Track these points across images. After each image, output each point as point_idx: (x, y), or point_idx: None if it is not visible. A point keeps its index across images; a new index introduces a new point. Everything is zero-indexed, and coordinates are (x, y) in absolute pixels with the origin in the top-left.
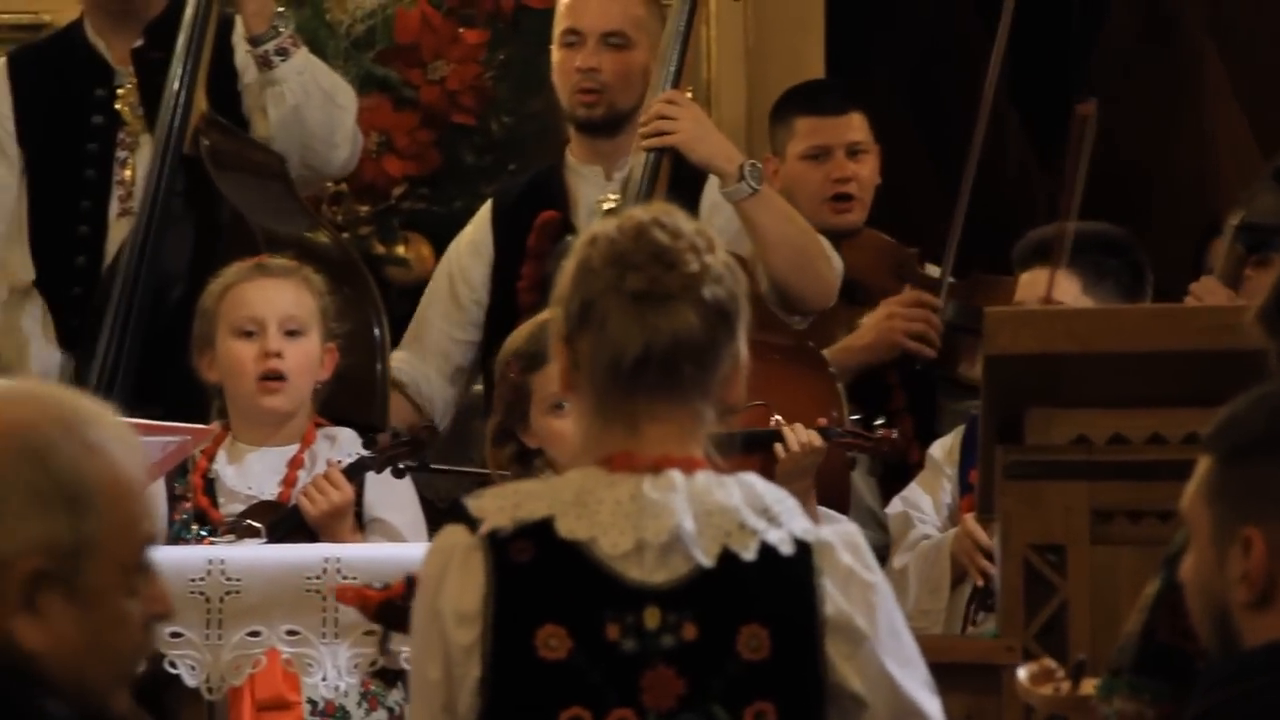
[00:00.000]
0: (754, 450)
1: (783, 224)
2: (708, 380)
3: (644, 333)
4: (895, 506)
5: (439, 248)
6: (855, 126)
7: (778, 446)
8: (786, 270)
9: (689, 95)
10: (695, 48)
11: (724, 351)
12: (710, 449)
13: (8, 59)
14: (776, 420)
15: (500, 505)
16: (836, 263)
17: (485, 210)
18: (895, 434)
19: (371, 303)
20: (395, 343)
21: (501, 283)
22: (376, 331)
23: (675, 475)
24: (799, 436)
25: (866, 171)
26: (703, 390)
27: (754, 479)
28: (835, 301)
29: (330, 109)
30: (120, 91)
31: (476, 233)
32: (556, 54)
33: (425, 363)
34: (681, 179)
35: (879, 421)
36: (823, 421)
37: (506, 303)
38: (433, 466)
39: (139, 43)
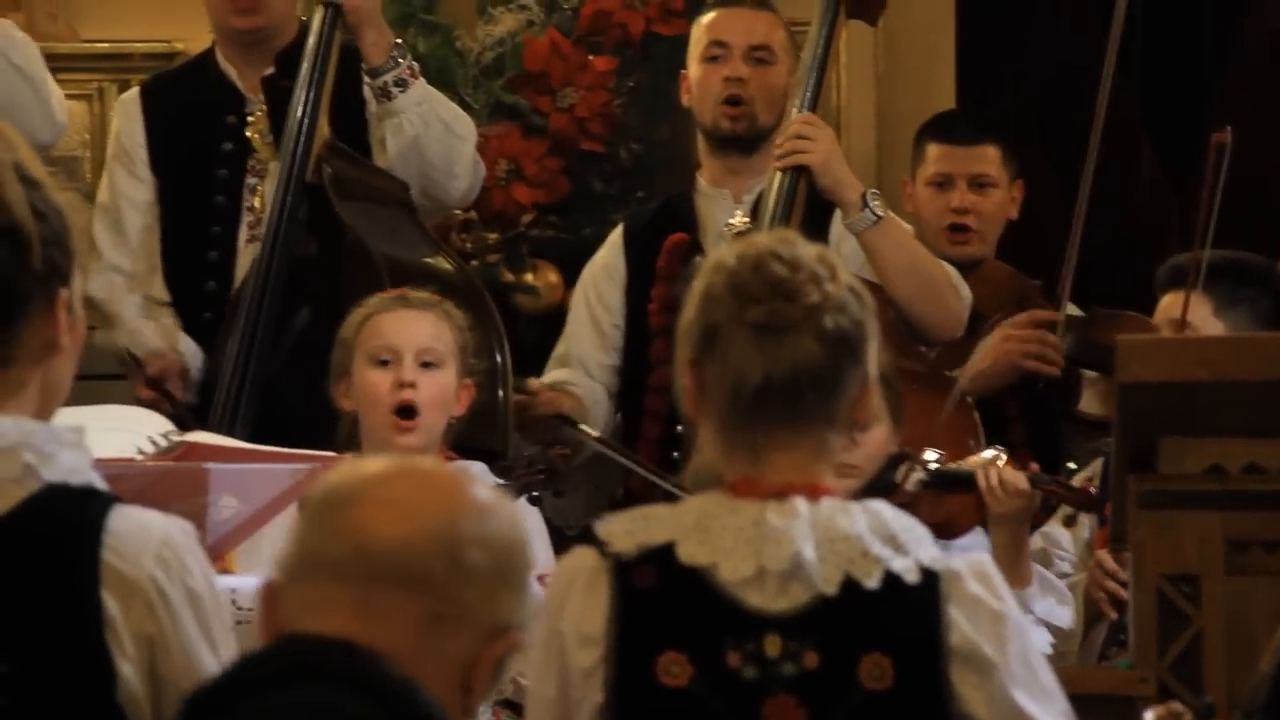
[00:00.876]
0: (967, 489)
1: (905, 253)
2: (832, 407)
3: (765, 363)
4: (1035, 543)
5: (567, 275)
6: (984, 159)
7: (981, 488)
8: (910, 299)
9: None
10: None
11: (848, 377)
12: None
13: (141, 88)
14: (978, 458)
15: (627, 529)
16: (965, 292)
17: (617, 234)
18: (1094, 488)
19: (494, 329)
20: (519, 370)
21: (633, 305)
22: (499, 359)
23: (799, 502)
24: (1006, 480)
25: (990, 205)
26: (827, 417)
27: (882, 507)
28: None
29: (449, 140)
30: (250, 119)
31: (609, 256)
32: (698, 69)
33: (589, 380)
34: (816, 203)
35: (1072, 465)
36: (1035, 467)
37: (638, 325)
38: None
39: (269, 71)
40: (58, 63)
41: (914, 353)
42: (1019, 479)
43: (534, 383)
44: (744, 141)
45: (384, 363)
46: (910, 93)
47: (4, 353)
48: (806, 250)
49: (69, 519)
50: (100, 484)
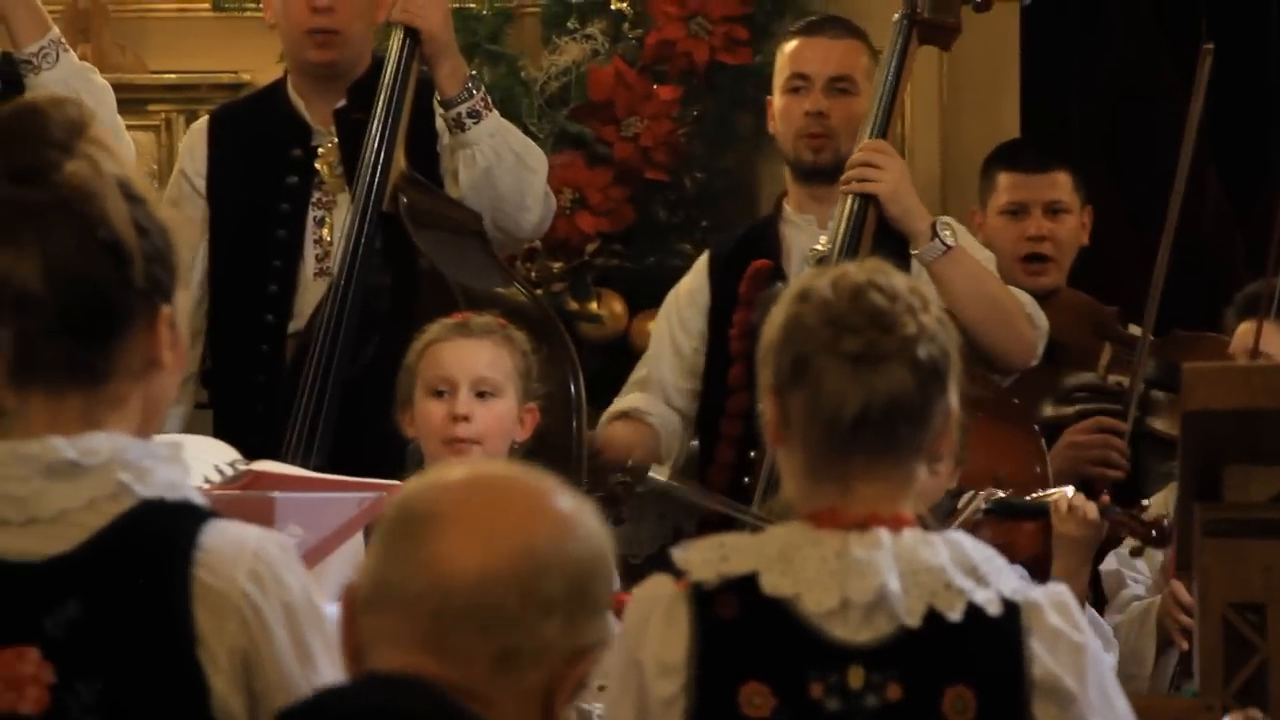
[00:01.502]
0: (1035, 518)
1: (976, 282)
2: (922, 438)
3: (861, 394)
4: (1109, 564)
5: (632, 304)
6: (1057, 185)
7: (1054, 511)
8: (982, 328)
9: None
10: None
11: (937, 408)
12: (927, 516)
13: (210, 117)
14: (1046, 492)
15: (706, 558)
16: (1040, 320)
17: (703, 260)
18: (1166, 520)
19: (568, 360)
20: (591, 399)
21: (715, 330)
22: (572, 389)
23: (882, 534)
24: (1075, 506)
25: (1065, 231)
26: (917, 448)
27: (962, 538)
28: (1038, 361)
29: (521, 172)
30: (321, 151)
31: (694, 281)
32: (780, 100)
33: (664, 406)
34: (888, 229)
35: (1146, 501)
36: (1106, 499)
37: (720, 350)
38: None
39: (341, 103)
40: (126, 93)
41: (982, 379)
42: (1090, 507)
43: (598, 441)
44: (827, 171)
45: (440, 393)
46: (975, 120)
47: (104, 368)
48: (900, 280)
49: (162, 535)
50: (198, 499)
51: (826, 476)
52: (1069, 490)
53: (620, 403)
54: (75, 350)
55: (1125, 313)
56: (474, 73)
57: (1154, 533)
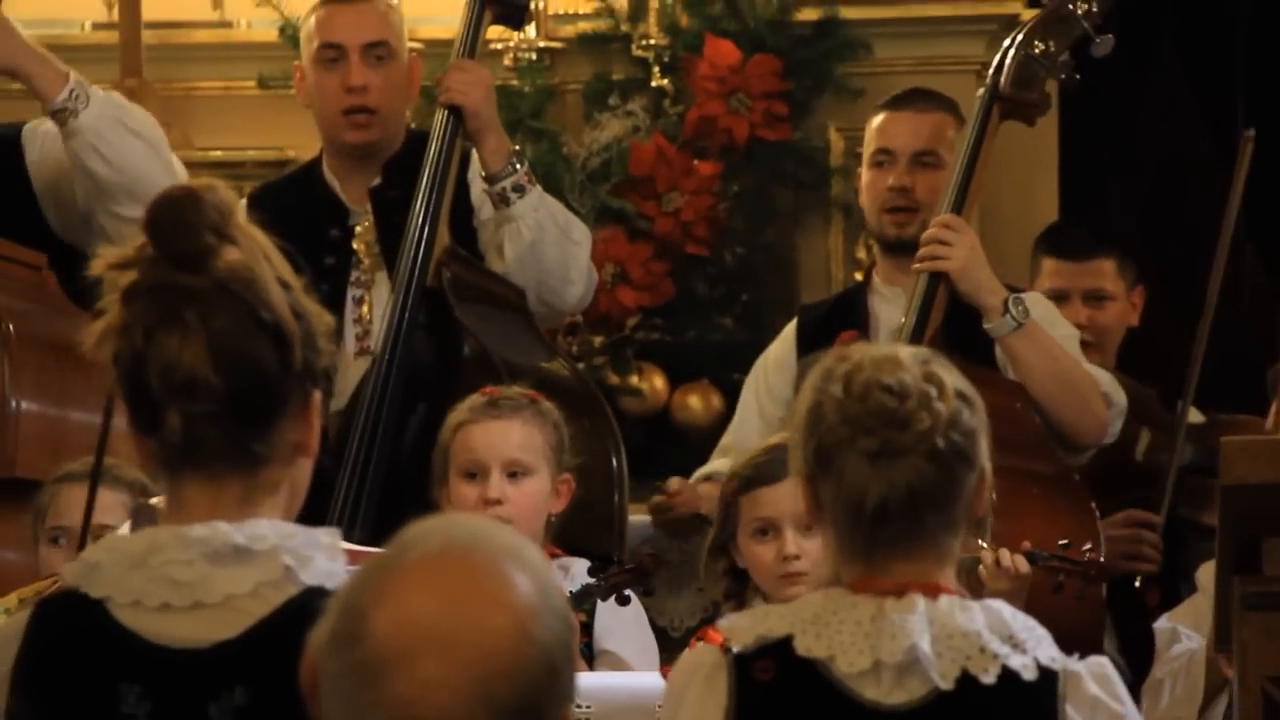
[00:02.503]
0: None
1: (1048, 359)
2: (950, 517)
3: (881, 487)
4: (1162, 623)
5: (673, 378)
6: (1099, 273)
7: (980, 569)
8: (1053, 404)
9: (969, 222)
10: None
11: (964, 484)
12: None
13: (249, 198)
14: (980, 544)
15: (746, 624)
16: (1117, 400)
17: (791, 327)
18: (1102, 556)
19: (610, 433)
20: (633, 473)
21: None
22: (614, 462)
23: (917, 599)
24: (1003, 560)
25: (1107, 318)
26: (946, 527)
27: (1001, 606)
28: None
29: (566, 245)
30: (358, 230)
31: (781, 349)
32: (866, 174)
33: None
34: (961, 304)
35: (1086, 546)
36: (1027, 545)
37: None
38: None
39: (376, 181)
40: None
41: (1046, 455)
42: (1019, 560)
43: (674, 483)
44: (912, 245)
45: (472, 475)
46: (1014, 197)
47: (262, 452)
48: (911, 371)
49: None
50: None
51: (856, 555)
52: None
53: (706, 467)
54: (239, 435)
55: (1165, 394)
56: (517, 148)
57: (1093, 571)
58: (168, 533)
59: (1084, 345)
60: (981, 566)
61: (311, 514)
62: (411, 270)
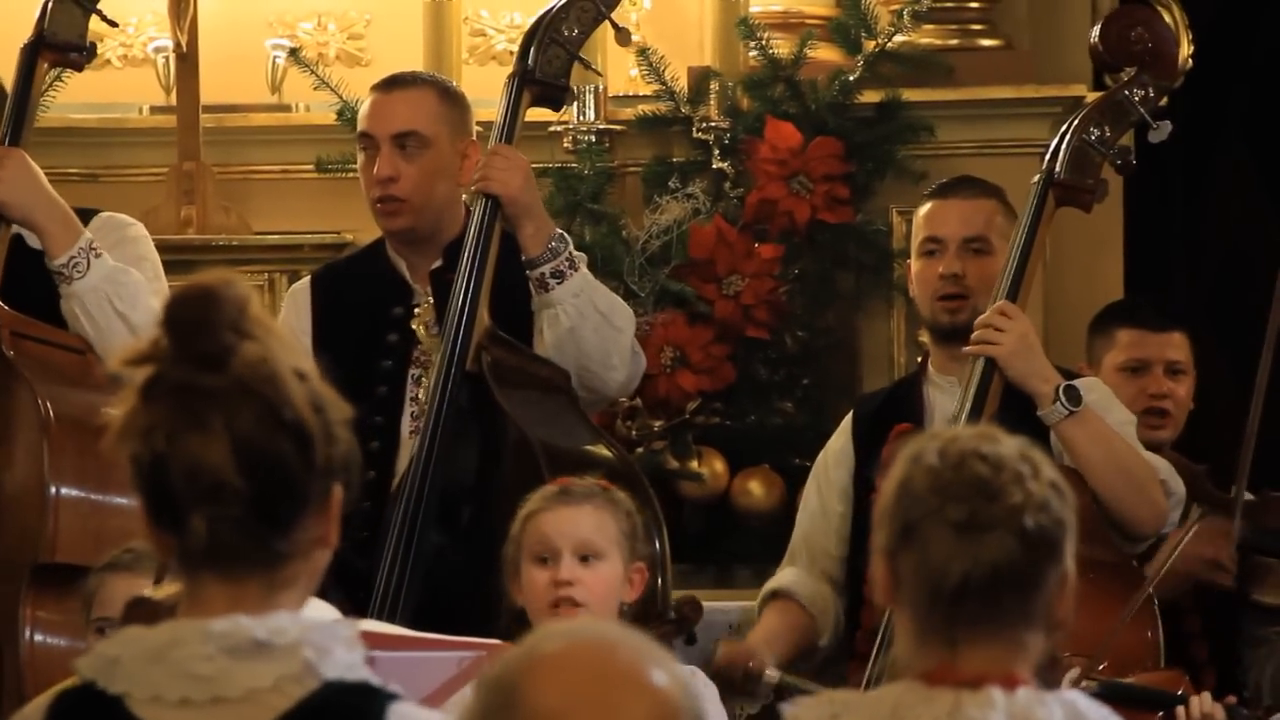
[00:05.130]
0: (1151, 709)
1: (1103, 447)
2: (1030, 607)
3: (964, 563)
4: None
5: (733, 463)
6: (1176, 345)
7: (1179, 710)
8: (1109, 492)
9: (1025, 309)
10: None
11: (1048, 576)
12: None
13: (312, 277)
14: (1185, 687)
15: (818, 715)
16: (1176, 488)
17: (847, 420)
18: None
19: (653, 517)
20: (683, 558)
21: (860, 492)
22: (657, 546)
23: (995, 692)
24: (1202, 707)
25: (1183, 391)
26: (1025, 616)
27: (1077, 698)
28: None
29: (606, 331)
30: (417, 311)
31: (839, 442)
32: (916, 264)
33: (816, 579)
34: (1016, 391)
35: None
36: (1232, 699)
37: (864, 513)
38: None
39: (437, 264)
40: (229, 254)
41: (1104, 541)
42: (1218, 710)
43: (720, 651)
44: (965, 332)
45: (544, 559)
46: (1078, 280)
47: (284, 550)
48: (1009, 447)
49: (348, 718)
50: (375, 681)
51: (933, 640)
52: (1179, 676)
53: (774, 580)
54: (263, 536)
55: (1215, 471)
56: (561, 232)
57: None
58: (188, 626)
59: (1164, 415)
60: (1180, 708)
61: (360, 596)
62: (450, 354)
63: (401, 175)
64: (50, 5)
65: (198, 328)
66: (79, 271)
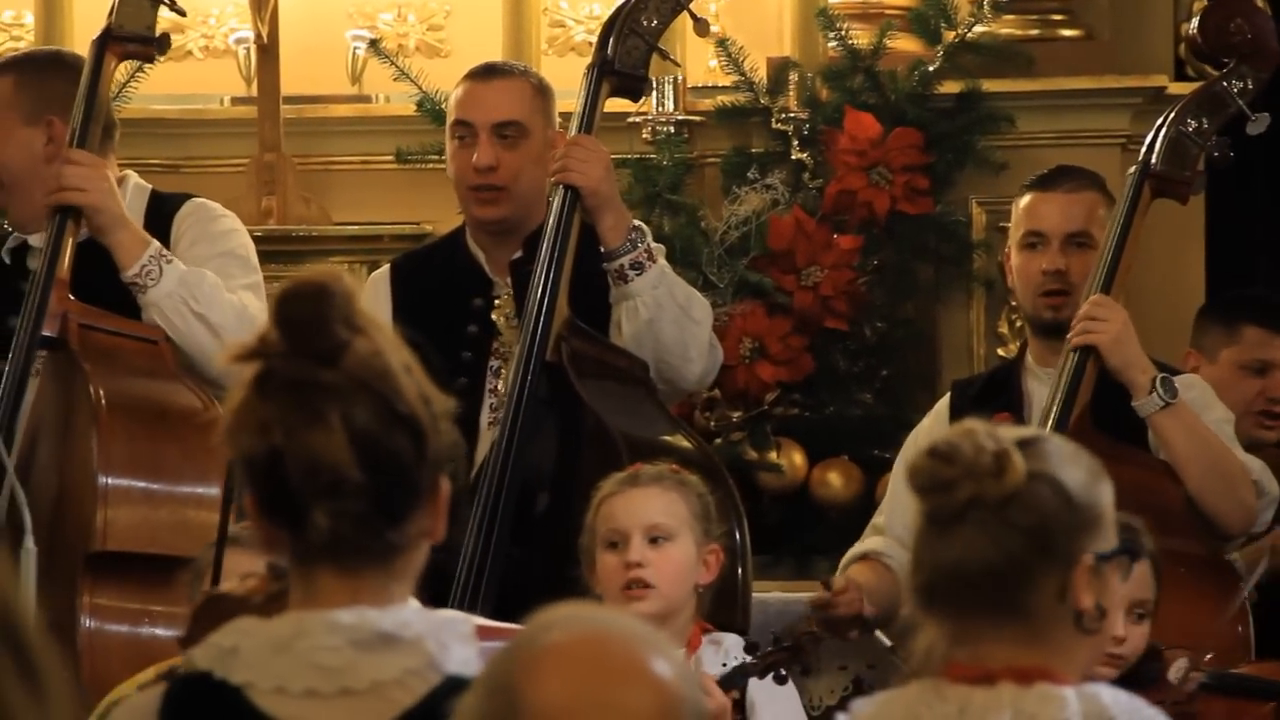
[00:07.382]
0: (1265, 699)
1: (1194, 441)
2: (1020, 600)
3: (931, 555)
4: None
5: (812, 454)
6: None
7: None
8: (1199, 489)
9: (1118, 300)
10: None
11: (1035, 568)
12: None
13: (392, 266)
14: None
15: (871, 714)
16: (1269, 488)
17: (944, 402)
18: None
19: (733, 508)
20: (761, 549)
21: None
22: (737, 536)
23: (1004, 690)
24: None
25: None
26: (1023, 610)
27: (1101, 690)
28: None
29: (684, 323)
30: (497, 302)
31: (934, 423)
32: (1016, 256)
33: (901, 550)
34: (1110, 384)
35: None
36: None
37: None
38: None
39: (517, 255)
40: (309, 244)
41: (1196, 535)
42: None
43: (839, 581)
44: (1067, 326)
45: (614, 544)
46: (1160, 274)
47: (399, 543)
48: (982, 440)
49: None
50: None
51: (942, 635)
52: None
53: (858, 546)
54: (381, 529)
55: None
56: (639, 224)
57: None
58: (314, 618)
59: (1275, 418)
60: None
61: (441, 588)
62: (530, 345)
63: (501, 164)
64: None
65: (312, 323)
66: (152, 279)
